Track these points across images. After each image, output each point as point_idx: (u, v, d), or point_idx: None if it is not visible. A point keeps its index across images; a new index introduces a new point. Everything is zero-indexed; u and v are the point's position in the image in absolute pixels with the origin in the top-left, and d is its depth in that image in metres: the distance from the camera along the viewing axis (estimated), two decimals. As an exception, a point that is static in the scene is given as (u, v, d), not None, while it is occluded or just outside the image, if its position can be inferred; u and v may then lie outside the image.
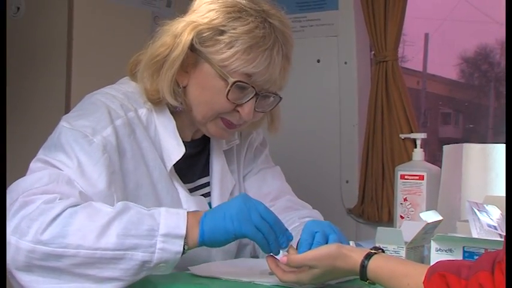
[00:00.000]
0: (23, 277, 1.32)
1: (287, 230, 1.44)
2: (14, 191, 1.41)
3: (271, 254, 1.43)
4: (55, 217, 1.32)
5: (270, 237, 1.39)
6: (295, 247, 1.46)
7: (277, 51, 1.58)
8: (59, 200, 1.36)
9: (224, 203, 1.46)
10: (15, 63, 2.49)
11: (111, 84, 1.68)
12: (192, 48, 1.57)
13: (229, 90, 1.57)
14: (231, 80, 1.56)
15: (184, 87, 1.63)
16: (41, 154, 1.51)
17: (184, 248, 1.37)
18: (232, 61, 1.56)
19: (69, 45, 2.39)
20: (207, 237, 1.39)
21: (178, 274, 1.57)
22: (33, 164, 1.49)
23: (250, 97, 1.59)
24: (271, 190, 1.83)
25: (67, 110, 2.35)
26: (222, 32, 1.56)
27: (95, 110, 1.57)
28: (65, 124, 1.53)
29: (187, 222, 1.38)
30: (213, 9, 1.59)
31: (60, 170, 1.45)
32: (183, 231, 1.36)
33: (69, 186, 1.43)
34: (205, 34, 1.57)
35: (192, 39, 1.56)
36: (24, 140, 2.52)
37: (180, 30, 1.58)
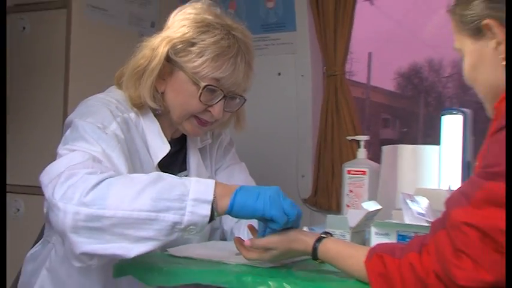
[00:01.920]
0: (72, 238, 1.30)
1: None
2: (51, 171, 1.40)
3: (239, 236, 1.45)
4: (96, 184, 1.32)
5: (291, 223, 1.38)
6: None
7: (241, 59, 1.63)
8: (100, 173, 1.36)
9: (259, 186, 1.42)
10: (22, 72, 2.46)
11: (102, 92, 1.68)
12: (167, 59, 1.61)
13: (201, 93, 1.60)
14: (202, 84, 1.59)
15: (163, 93, 1.65)
16: (64, 145, 1.49)
17: (214, 213, 1.35)
18: (202, 68, 1.59)
19: (67, 58, 2.38)
20: (236, 209, 1.37)
21: (159, 255, 1.56)
22: (61, 151, 1.48)
23: (219, 98, 1.63)
24: (237, 182, 1.82)
25: (65, 112, 2.34)
26: (192, 44, 1.60)
27: (98, 109, 1.58)
28: (78, 120, 1.53)
29: (216, 190, 1.36)
30: (184, 25, 1.62)
31: (88, 152, 1.45)
32: (211, 197, 1.34)
33: (101, 165, 1.43)
34: (179, 46, 1.61)
35: (168, 51, 1.60)
36: (24, 141, 2.48)
37: (157, 44, 1.61)
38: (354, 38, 2.64)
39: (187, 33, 1.60)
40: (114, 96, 1.65)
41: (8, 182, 2.19)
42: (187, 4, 1.68)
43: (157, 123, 1.67)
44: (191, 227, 1.33)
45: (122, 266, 1.47)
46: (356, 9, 2.58)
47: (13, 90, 2.45)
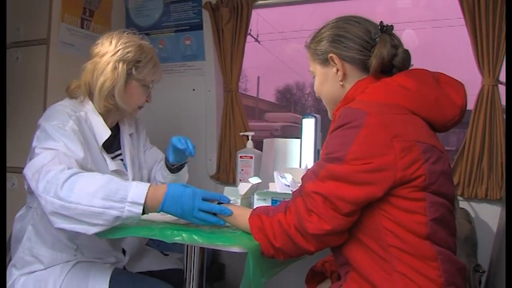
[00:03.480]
0: (51, 218, 1.33)
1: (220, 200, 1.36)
2: (32, 167, 1.39)
3: None
4: (65, 180, 1.32)
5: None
6: None
7: (159, 66, 1.72)
8: (67, 169, 1.35)
9: (182, 192, 1.32)
10: (16, 89, 2.40)
11: (61, 101, 1.64)
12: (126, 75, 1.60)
13: (150, 92, 1.70)
14: (150, 85, 1.69)
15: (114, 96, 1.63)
16: (37, 145, 1.46)
17: (145, 211, 1.32)
18: (147, 76, 1.66)
19: (46, 79, 2.33)
20: (165, 211, 1.33)
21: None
22: (37, 150, 1.44)
23: (150, 90, 1.72)
24: (160, 158, 1.91)
25: None
26: (139, 61, 1.63)
27: (57, 113, 1.54)
28: (45, 124, 1.51)
29: (148, 194, 1.31)
30: (130, 50, 1.62)
31: (56, 150, 1.43)
32: (142, 201, 1.30)
33: (66, 158, 1.41)
34: (130, 65, 1.62)
35: (126, 70, 1.59)
36: (15, 135, 2.38)
37: (113, 67, 1.59)
38: (248, 67, 2.65)
39: (134, 55, 1.62)
40: (69, 103, 1.61)
41: (8, 164, 2.23)
42: (117, 33, 1.66)
43: (101, 117, 1.63)
44: (129, 219, 1.32)
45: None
46: (246, 46, 2.57)
47: (9, 100, 2.39)
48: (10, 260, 1.64)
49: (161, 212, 1.34)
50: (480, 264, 1.77)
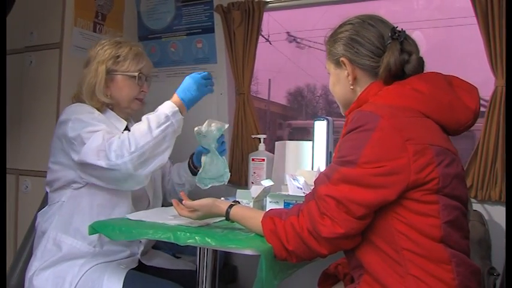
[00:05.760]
0: (137, 173, 1.53)
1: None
2: (90, 151, 1.53)
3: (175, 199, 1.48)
4: (126, 140, 1.53)
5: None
6: None
7: (145, 56, 1.82)
8: (118, 137, 1.55)
9: (185, 87, 1.68)
10: (30, 91, 2.43)
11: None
12: (107, 72, 1.73)
13: (138, 80, 1.76)
14: (136, 74, 1.76)
15: (110, 94, 1.75)
16: (79, 133, 1.58)
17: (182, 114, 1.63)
18: (130, 67, 1.76)
19: (59, 82, 2.34)
20: (188, 106, 1.67)
21: (120, 219, 1.51)
22: (84, 135, 1.57)
23: (145, 80, 1.80)
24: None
25: (57, 118, 2.28)
26: (118, 56, 1.75)
27: (81, 107, 1.70)
28: (75, 116, 1.63)
29: (172, 101, 1.63)
30: (108, 49, 1.75)
31: (101, 130, 1.58)
32: (177, 108, 1.62)
33: (111, 132, 1.59)
34: (110, 62, 1.74)
35: (105, 68, 1.72)
36: (29, 138, 2.41)
37: (95, 68, 1.72)
38: (259, 69, 2.64)
39: (111, 52, 1.74)
40: (81, 104, 1.74)
41: (20, 167, 2.34)
42: (97, 41, 1.82)
43: (113, 112, 1.77)
44: (179, 128, 1.61)
45: (94, 227, 1.44)
46: (258, 48, 2.57)
47: (23, 103, 2.42)
48: (29, 256, 1.71)
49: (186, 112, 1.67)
50: (494, 267, 1.76)
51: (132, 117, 1.88)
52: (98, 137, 1.54)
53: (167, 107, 1.60)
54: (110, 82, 1.74)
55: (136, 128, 1.57)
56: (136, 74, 1.75)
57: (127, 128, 1.71)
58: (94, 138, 1.54)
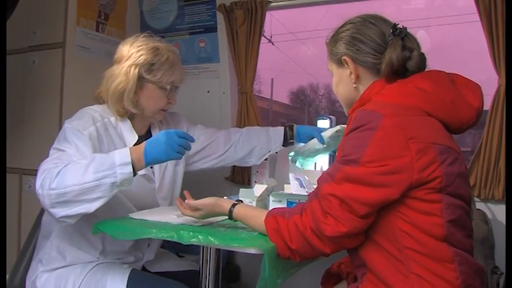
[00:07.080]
0: (51, 211, 1.37)
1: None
2: (43, 163, 1.44)
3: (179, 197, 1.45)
4: (57, 173, 1.36)
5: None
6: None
7: (180, 65, 1.71)
8: (61, 164, 1.39)
9: (154, 141, 1.44)
10: (32, 91, 2.44)
11: (93, 105, 1.69)
12: (138, 78, 1.60)
13: (168, 93, 1.67)
14: (168, 87, 1.66)
15: (137, 101, 1.65)
16: (55, 144, 1.52)
17: (134, 170, 1.39)
18: (163, 78, 1.65)
19: (62, 82, 2.34)
20: (150, 163, 1.43)
21: (123, 218, 1.52)
22: (51, 151, 1.50)
23: (174, 91, 1.70)
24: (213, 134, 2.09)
25: (60, 119, 2.32)
26: (152, 64, 1.62)
27: (84, 116, 1.59)
28: (67, 125, 1.55)
29: (132, 154, 1.39)
30: (143, 54, 1.63)
31: (65, 151, 1.47)
32: (129, 159, 1.38)
33: (67, 157, 1.45)
34: (143, 68, 1.61)
35: (138, 74, 1.60)
36: (32, 138, 2.42)
37: (126, 71, 1.60)
38: (261, 68, 2.64)
39: (146, 58, 1.63)
40: (100, 108, 1.66)
41: (23, 166, 2.37)
42: (132, 38, 1.69)
43: (129, 122, 1.67)
44: (124, 182, 1.38)
45: (97, 226, 1.44)
46: (261, 48, 2.57)
47: (26, 103, 2.42)
48: (32, 255, 1.71)
49: (147, 165, 1.42)
50: (498, 266, 1.76)
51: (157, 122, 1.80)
52: (53, 157, 1.45)
53: (121, 155, 1.38)
54: (139, 89, 1.64)
55: (76, 163, 1.39)
56: (168, 86, 1.66)
57: (140, 139, 1.63)
58: (51, 157, 1.46)
